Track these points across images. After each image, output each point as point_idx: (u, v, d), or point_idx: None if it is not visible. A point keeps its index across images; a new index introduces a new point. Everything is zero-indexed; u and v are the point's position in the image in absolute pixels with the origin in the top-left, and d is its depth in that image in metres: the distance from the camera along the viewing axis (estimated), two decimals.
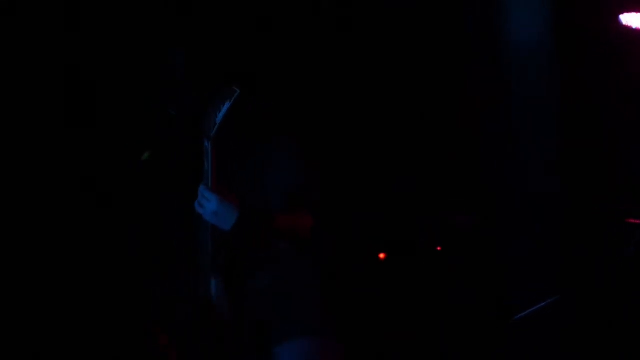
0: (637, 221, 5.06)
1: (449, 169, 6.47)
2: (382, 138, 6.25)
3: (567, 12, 6.39)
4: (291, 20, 5.62)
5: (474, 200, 6.49)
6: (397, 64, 6.21)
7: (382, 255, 6.36)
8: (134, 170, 4.32)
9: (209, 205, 3.69)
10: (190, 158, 4.05)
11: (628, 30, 6.35)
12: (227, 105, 3.62)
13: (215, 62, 4.01)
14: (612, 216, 5.33)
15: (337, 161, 4.02)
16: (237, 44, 4.24)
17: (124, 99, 5.31)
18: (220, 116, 3.65)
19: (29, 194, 5.28)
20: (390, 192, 6.26)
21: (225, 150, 3.77)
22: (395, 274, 6.34)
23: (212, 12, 5.02)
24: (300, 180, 3.86)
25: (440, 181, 6.45)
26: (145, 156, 4.16)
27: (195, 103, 3.95)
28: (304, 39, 5.74)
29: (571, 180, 6.30)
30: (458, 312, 6.24)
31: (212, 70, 3.98)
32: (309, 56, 5.67)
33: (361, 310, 4.12)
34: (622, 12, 6.29)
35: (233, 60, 4.05)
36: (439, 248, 6.36)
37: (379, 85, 6.19)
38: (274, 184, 3.88)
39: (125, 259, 5.04)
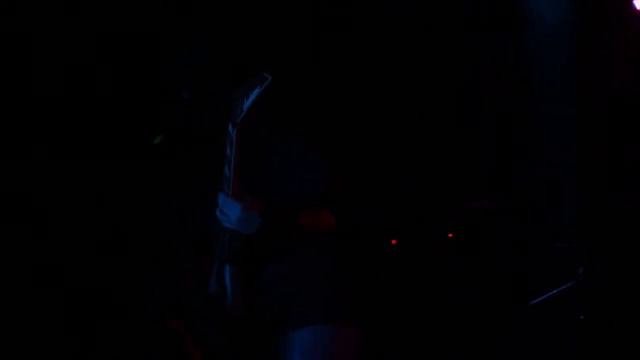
0: None
1: (466, 157, 6.45)
2: (398, 127, 6.22)
3: None
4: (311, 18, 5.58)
5: (489, 185, 6.48)
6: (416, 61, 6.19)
7: (394, 242, 6.33)
8: (148, 156, 4.28)
9: (231, 213, 3.65)
10: (206, 144, 4.00)
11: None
12: (256, 92, 3.56)
13: (236, 50, 3.97)
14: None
15: (357, 154, 3.94)
16: (258, 35, 4.19)
17: (137, 83, 5.27)
18: (248, 103, 3.57)
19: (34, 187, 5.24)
20: (407, 182, 6.24)
21: (250, 141, 3.71)
22: (407, 261, 6.32)
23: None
24: (324, 175, 3.81)
25: (456, 168, 6.42)
26: (157, 140, 4.10)
27: (210, 88, 3.91)
28: (326, 38, 5.70)
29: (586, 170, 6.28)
30: (466, 304, 6.22)
31: (231, 57, 3.93)
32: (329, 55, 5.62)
33: (377, 301, 4.07)
34: None
35: (254, 51, 4.00)
36: (450, 235, 6.33)
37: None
38: (297, 181, 3.82)
39: (143, 246, 5.05)
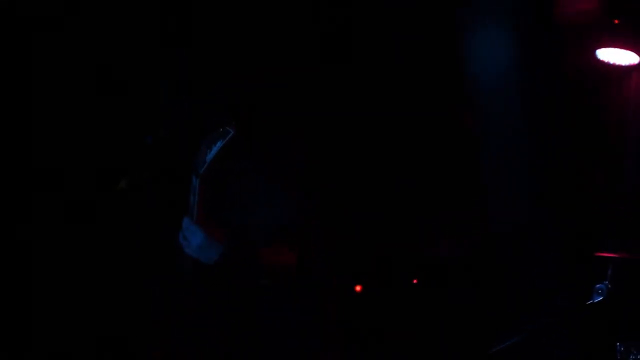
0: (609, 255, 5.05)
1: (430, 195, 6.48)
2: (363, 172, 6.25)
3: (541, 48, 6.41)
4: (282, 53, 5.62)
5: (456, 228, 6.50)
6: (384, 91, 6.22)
7: (358, 288, 6.34)
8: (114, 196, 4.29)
9: (193, 238, 3.67)
10: (168, 188, 4.03)
11: (604, 65, 6.41)
12: (219, 145, 3.61)
13: (202, 96, 4.01)
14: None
15: (321, 197, 4.00)
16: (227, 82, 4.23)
17: (103, 125, 5.27)
18: (211, 155, 3.64)
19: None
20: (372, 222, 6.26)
21: (213, 189, 3.75)
22: (372, 306, 6.33)
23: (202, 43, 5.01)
24: (286, 217, 3.85)
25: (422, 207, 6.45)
26: (121, 184, 4.12)
27: (175, 134, 3.94)
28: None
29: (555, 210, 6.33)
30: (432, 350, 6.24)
31: (195, 105, 3.97)
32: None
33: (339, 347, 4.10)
34: (599, 48, 6.34)
35: (221, 100, 4.04)
36: (414, 281, 6.35)
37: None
38: (261, 220, 3.86)
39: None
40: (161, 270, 4.12)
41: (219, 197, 3.91)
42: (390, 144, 6.34)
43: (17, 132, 5.27)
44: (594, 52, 6.37)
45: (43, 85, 5.28)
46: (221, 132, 3.66)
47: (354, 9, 5.83)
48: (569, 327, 4.95)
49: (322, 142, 4.14)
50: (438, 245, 6.54)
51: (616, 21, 6.31)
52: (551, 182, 6.40)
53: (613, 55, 6.38)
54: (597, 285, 4.97)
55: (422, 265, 6.49)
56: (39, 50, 5.27)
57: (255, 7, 5.23)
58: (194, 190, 3.73)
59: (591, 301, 4.98)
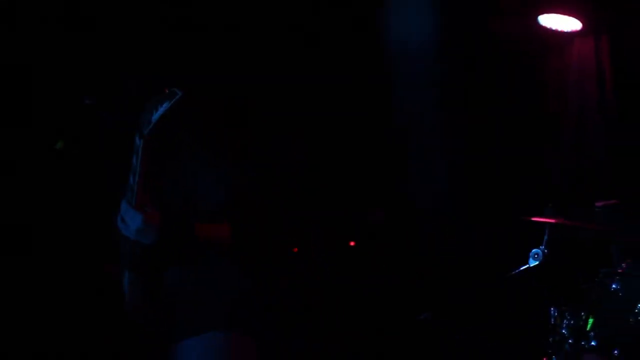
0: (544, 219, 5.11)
1: (358, 169, 6.50)
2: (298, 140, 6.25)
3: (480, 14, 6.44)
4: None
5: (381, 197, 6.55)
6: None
7: (295, 249, 6.37)
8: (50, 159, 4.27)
9: (132, 223, 3.67)
10: (109, 150, 4.02)
11: (546, 31, 6.44)
12: (165, 106, 3.59)
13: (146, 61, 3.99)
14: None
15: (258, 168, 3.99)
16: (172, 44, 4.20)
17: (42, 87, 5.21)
18: (157, 115, 3.61)
19: None
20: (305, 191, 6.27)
21: (155, 152, 3.73)
22: (311, 268, 6.36)
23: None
24: (223, 193, 3.85)
25: (350, 179, 6.47)
26: (58, 145, 4.09)
27: (116, 96, 3.92)
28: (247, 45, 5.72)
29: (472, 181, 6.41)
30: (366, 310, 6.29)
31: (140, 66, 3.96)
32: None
33: (276, 308, 4.10)
34: (541, 14, 6.37)
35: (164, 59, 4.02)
36: (352, 243, 6.39)
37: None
38: (198, 191, 3.85)
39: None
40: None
41: (160, 160, 3.89)
42: (321, 122, 6.35)
43: None
44: (536, 18, 6.40)
45: None
46: (168, 93, 3.62)
47: None
48: (505, 291, 5.02)
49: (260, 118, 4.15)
50: (368, 214, 6.59)
51: None
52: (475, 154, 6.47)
53: (555, 21, 6.41)
54: (533, 250, 5.04)
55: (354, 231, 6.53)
56: None
57: None
58: (137, 150, 3.70)
59: (527, 266, 5.05)
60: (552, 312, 5.07)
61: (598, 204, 5.48)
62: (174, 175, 3.93)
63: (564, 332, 5.02)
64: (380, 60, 6.37)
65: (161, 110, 3.59)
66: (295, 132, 4.04)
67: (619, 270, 5.00)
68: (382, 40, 6.35)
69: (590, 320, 4.97)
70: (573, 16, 6.34)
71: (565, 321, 5.03)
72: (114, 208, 3.77)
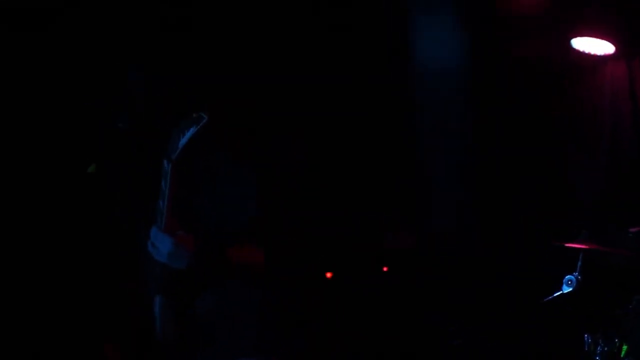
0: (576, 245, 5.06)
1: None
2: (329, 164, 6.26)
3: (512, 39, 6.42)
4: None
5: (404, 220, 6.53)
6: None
7: (329, 275, 6.35)
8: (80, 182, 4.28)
9: (162, 247, 3.67)
10: (141, 173, 4.02)
11: (579, 54, 6.41)
12: (192, 130, 3.60)
13: (174, 83, 3.99)
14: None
15: (287, 191, 4.00)
16: (202, 69, 4.20)
17: (72, 109, 5.24)
18: (184, 140, 3.63)
19: None
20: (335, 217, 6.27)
21: (184, 177, 3.74)
22: (345, 294, 6.35)
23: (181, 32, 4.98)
24: (253, 213, 3.84)
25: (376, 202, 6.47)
26: (91, 168, 4.11)
27: (147, 119, 3.92)
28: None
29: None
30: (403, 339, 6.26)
31: (168, 90, 3.95)
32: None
33: (307, 334, 4.10)
34: (574, 37, 6.34)
35: (195, 85, 4.02)
36: (385, 269, 6.37)
37: None
38: (228, 215, 3.86)
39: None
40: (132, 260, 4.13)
41: (189, 185, 3.91)
42: (345, 144, 6.34)
43: None
44: (569, 41, 6.37)
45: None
46: (195, 117, 3.64)
47: None
48: (539, 319, 4.98)
49: (286, 138, 4.15)
50: (397, 238, 6.57)
51: (592, 10, 6.31)
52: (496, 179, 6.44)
53: (588, 45, 6.38)
54: (567, 277, 5.00)
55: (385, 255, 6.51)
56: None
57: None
58: (165, 175, 3.71)
59: (560, 292, 5.01)
60: (586, 339, 5.03)
61: (632, 229, 5.43)
62: (203, 199, 3.94)
63: (597, 359, 4.97)
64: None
65: (188, 134, 3.62)
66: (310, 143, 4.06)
67: None
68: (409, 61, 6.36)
69: (624, 348, 4.92)
70: (606, 40, 6.31)
71: (599, 348, 4.98)
72: (139, 231, 3.79)
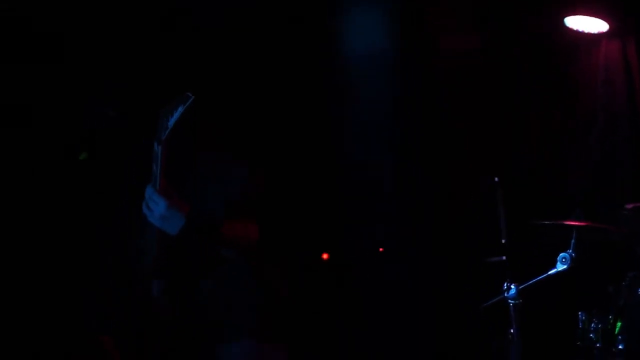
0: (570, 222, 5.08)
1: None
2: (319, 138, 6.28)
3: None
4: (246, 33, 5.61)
5: None
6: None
7: (325, 256, 6.37)
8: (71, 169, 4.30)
9: (156, 208, 3.69)
10: (132, 159, 4.04)
11: (573, 32, 6.42)
12: (180, 110, 3.62)
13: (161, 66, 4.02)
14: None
15: (280, 171, 4.02)
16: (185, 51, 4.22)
17: (63, 97, 5.25)
18: (172, 120, 3.64)
19: None
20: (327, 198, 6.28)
21: (175, 155, 3.76)
22: (339, 275, 6.37)
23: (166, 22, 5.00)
24: (245, 189, 3.87)
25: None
26: (82, 156, 4.13)
27: (136, 105, 3.95)
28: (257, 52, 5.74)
29: None
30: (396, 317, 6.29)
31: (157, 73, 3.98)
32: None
33: (306, 315, 4.14)
34: (567, 15, 6.34)
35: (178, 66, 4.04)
36: (381, 249, 6.38)
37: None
38: (220, 192, 3.88)
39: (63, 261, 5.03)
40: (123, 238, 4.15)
41: (180, 163, 3.92)
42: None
43: None
44: (563, 19, 6.37)
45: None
46: (181, 97, 3.66)
47: None
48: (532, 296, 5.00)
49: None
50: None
51: None
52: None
53: (582, 23, 6.38)
54: (561, 254, 5.01)
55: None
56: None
57: None
58: (156, 157, 3.72)
59: (555, 269, 5.03)
60: (580, 316, 5.06)
61: (628, 205, 5.44)
62: (194, 175, 3.96)
63: (592, 336, 5.01)
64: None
65: (176, 114, 3.63)
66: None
67: None
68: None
69: (618, 324, 4.95)
70: (599, 18, 6.31)
71: (593, 325, 5.02)
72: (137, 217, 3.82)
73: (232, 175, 3.90)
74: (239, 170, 3.92)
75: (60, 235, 5.10)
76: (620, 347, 4.92)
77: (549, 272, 5.00)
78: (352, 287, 6.39)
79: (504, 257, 5.20)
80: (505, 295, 4.97)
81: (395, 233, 6.44)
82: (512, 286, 4.95)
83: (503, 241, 5.38)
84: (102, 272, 4.47)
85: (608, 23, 6.32)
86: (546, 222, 5.11)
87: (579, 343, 5.06)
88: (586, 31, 6.38)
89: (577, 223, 5.06)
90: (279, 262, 4.01)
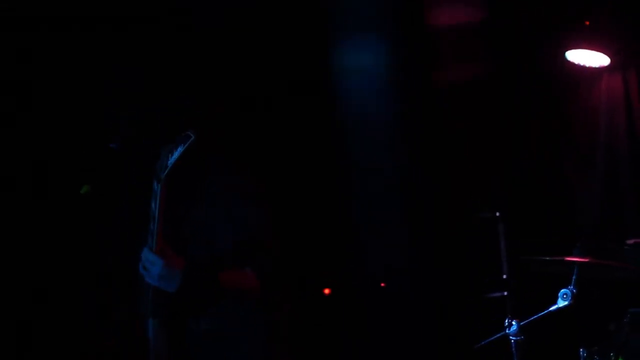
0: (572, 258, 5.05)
1: None
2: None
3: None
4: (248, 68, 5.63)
5: None
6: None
7: (327, 291, 6.35)
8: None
9: (153, 269, 3.68)
10: (133, 194, 4.03)
11: (574, 67, 6.42)
12: (180, 150, 3.61)
13: (165, 102, 4.00)
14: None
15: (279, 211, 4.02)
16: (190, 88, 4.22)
17: (66, 131, 5.25)
18: (172, 159, 3.63)
19: None
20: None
21: (175, 195, 3.74)
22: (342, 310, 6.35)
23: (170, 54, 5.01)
24: (247, 232, 3.85)
25: None
26: (84, 189, 4.11)
27: (139, 139, 3.93)
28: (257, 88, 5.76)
29: None
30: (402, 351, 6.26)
31: (159, 110, 3.96)
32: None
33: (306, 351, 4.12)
34: (569, 50, 6.35)
35: (182, 104, 4.03)
36: (382, 284, 6.36)
37: None
38: (221, 234, 3.86)
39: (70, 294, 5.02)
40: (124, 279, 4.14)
41: (179, 204, 3.91)
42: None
43: None
44: (564, 54, 6.38)
45: None
46: (182, 136, 3.65)
47: None
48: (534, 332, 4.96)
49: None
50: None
51: (587, 22, 6.31)
52: None
53: (583, 57, 6.39)
54: (562, 290, 4.98)
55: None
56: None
57: None
58: (155, 195, 3.72)
59: (556, 306, 4.99)
60: (581, 352, 5.03)
61: (629, 241, 5.42)
62: (193, 220, 3.95)
63: None
64: None
65: (176, 153, 3.63)
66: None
67: None
68: None
69: None
70: (601, 52, 6.31)
71: None
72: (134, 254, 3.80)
73: (242, 215, 3.89)
74: (249, 209, 3.90)
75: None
76: None
77: (550, 308, 4.97)
78: (353, 323, 6.36)
79: (505, 293, 5.18)
80: (507, 331, 4.93)
81: (396, 270, 6.40)
82: (514, 322, 4.91)
83: (504, 276, 5.39)
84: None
85: (609, 57, 6.33)
86: (547, 258, 5.07)
87: None
88: (588, 65, 6.39)
89: (578, 259, 5.02)
90: (283, 295, 3.99)
